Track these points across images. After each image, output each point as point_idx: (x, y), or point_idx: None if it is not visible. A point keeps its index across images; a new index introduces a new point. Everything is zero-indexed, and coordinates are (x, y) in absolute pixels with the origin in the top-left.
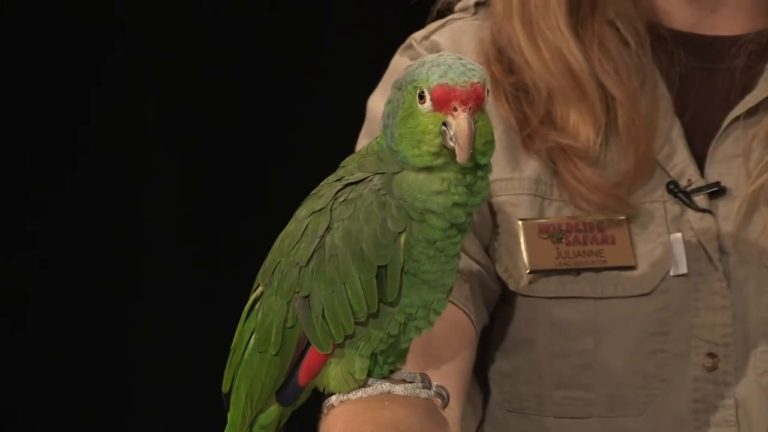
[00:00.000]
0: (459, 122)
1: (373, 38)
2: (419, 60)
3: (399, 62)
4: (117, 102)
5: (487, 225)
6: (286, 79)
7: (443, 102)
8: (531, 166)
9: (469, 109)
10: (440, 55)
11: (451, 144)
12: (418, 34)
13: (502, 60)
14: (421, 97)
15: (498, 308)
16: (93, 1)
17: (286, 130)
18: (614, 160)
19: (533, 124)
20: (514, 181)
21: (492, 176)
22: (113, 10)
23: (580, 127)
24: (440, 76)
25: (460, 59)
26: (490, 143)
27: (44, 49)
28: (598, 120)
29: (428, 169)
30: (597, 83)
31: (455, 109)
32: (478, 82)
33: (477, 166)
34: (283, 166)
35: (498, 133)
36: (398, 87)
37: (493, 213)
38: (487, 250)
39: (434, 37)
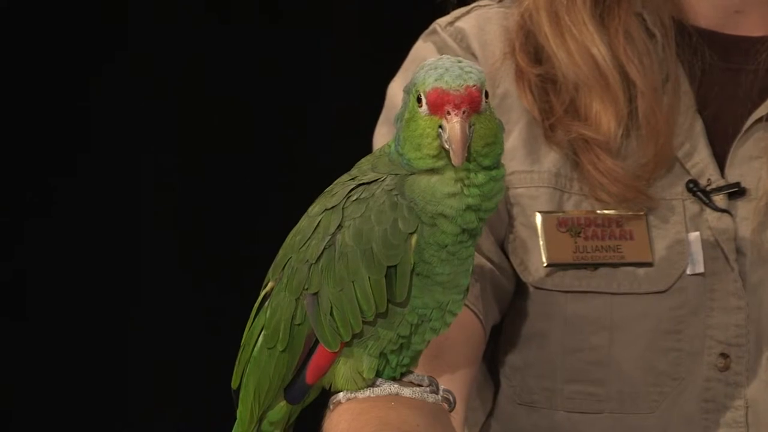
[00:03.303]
0: (452, 126)
1: (373, 38)
2: (423, 62)
3: (421, 48)
4: (117, 102)
5: (502, 220)
6: (287, 80)
7: (437, 106)
8: (551, 159)
9: (463, 112)
10: (440, 59)
11: (447, 147)
12: (442, 20)
13: (528, 49)
14: (419, 100)
15: (511, 301)
16: (93, 1)
17: (286, 131)
18: (634, 152)
19: (557, 113)
20: (533, 173)
21: (511, 168)
22: (114, 11)
23: (602, 117)
24: (435, 80)
25: (459, 62)
26: (492, 145)
27: (44, 49)
28: (620, 111)
29: (435, 170)
30: (620, 74)
31: (448, 113)
32: (474, 86)
33: (483, 168)
34: (282, 166)
35: (519, 127)
36: (407, 90)
37: (509, 206)
38: (502, 244)
39: (459, 24)
